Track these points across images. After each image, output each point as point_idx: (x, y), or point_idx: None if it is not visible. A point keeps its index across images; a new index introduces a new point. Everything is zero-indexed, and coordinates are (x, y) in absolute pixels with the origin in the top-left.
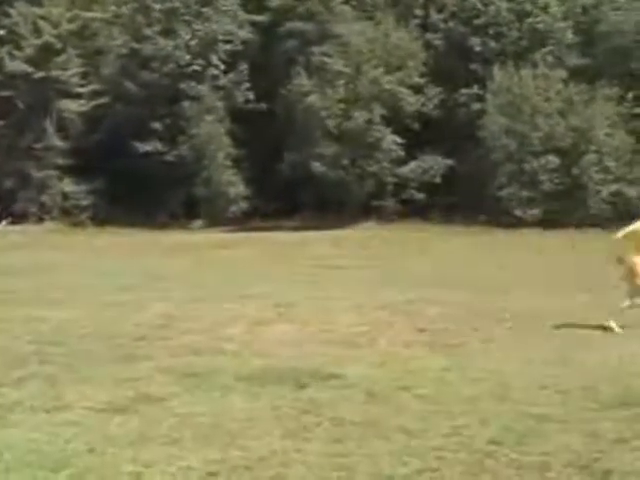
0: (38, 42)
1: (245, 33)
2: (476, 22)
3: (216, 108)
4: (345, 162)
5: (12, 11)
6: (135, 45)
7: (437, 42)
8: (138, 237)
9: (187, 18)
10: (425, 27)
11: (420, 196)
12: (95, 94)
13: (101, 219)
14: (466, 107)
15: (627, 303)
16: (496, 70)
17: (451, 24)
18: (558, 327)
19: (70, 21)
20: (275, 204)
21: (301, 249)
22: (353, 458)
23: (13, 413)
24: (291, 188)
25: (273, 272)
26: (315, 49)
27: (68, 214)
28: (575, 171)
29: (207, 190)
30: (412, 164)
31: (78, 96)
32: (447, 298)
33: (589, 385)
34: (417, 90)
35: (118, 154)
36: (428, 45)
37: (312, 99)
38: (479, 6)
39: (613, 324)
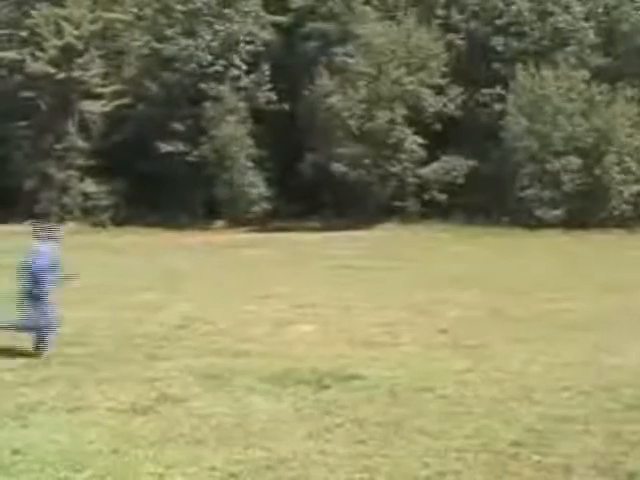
0: (60, 43)
1: (267, 34)
2: (498, 22)
3: (238, 109)
4: (367, 163)
5: (34, 12)
6: (157, 46)
7: (459, 42)
8: (159, 237)
9: (209, 19)
10: (447, 27)
11: (442, 197)
12: (117, 95)
13: (122, 219)
14: (488, 107)
15: None
16: (518, 70)
17: (473, 24)
18: (579, 328)
19: (92, 22)
20: (296, 205)
21: (322, 250)
22: (375, 459)
23: (35, 413)
24: (312, 189)
25: (294, 273)
26: (337, 49)
27: (89, 214)
28: (597, 171)
29: (229, 191)
30: (434, 165)
31: (100, 97)
32: (469, 299)
33: (611, 386)
34: (439, 90)
35: (139, 155)
36: (450, 45)
37: (334, 100)
38: (501, 6)
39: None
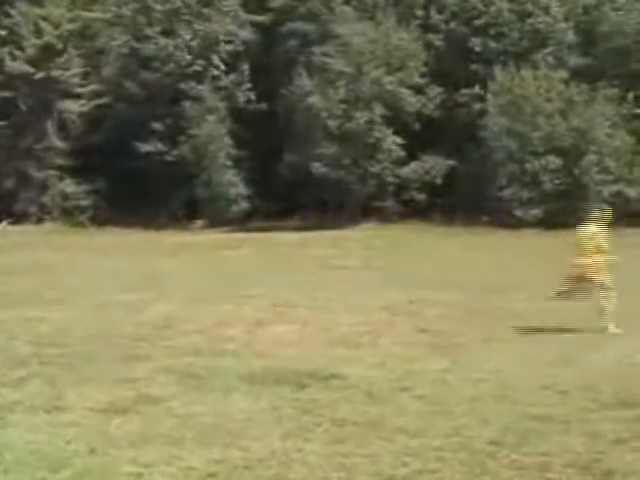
0: (39, 42)
1: (246, 33)
2: (477, 22)
3: (217, 108)
4: (346, 162)
5: (13, 11)
6: (136, 45)
7: (438, 42)
8: (138, 237)
9: (188, 18)
10: (426, 27)
11: (421, 197)
12: (96, 94)
13: (101, 219)
14: (467, 107)
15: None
16: (497, 70)
17: (452, 24)
18: (559, 328)
19: (71, 21)
20: (276, 204)
21: (302, 249)
22: (353, 458)
23: (13, 413)
24: (292, 188)
25: (274, 272)
26: (316, 49)
27: (68, 214)
28: (576, 171)
29: (208, 190)
30: (413, 165)
31: (79, 96)
32: (448, 299)
33: (589, 385)
34: (418, 90)
35: (119, 154)
36: (429, 45)
37: (313, 99)
38: (480, 6)
39: (610, 325)
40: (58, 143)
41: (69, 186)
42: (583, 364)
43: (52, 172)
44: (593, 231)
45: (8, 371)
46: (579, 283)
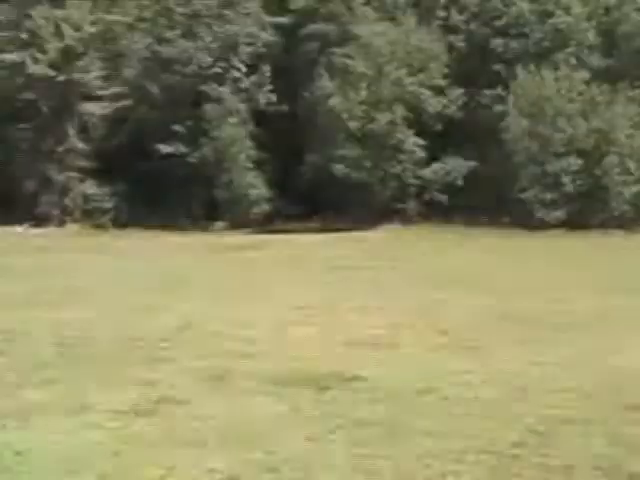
0: (60, 45)
1: (267, 35)
2: (498, 23)
3: (238, 110)
4: (367, 164)
5: (34, 13)
6: (157, 47)
7: (459, 43)
8: (160, 239)
9: (209, 20)
10: (447, 28)
11: (442, 198)
12: (117, 97)
13: (123, 221)
14: (488, 109)
15: None
16: (518, 71)
17: (473, 25)
18: (580, 329)
19: (92, 24)
20: (297, 206)
21: (323, 251)
22: (376, 460)
23: (37, 415)
24: (313, 190)
25: (295, 274)
26: (337, 51)
27: (90, 216)
28: (597, 172)
29: (229, 192)
30: (434, 166)
31: (100, 99)
32: (470, 300)
33: (612, 387)
34: (439, 92)
35: (140, 156)
36: (450, 46)
37: (334, 101)
38: (501, 7)
39: None
40: (79, 145)
41: (90, 188)
42: (604, 366)
43: (73, 174)
44: None
45: (32, 373)
46: None
